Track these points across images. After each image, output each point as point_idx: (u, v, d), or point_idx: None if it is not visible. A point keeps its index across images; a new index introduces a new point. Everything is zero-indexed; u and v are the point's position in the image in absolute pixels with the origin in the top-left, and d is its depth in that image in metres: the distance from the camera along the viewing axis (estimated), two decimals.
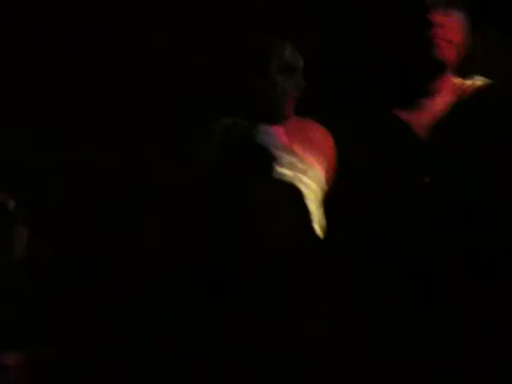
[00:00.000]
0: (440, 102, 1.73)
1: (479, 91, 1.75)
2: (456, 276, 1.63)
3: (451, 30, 1.68)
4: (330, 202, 1.60)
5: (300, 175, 1.46)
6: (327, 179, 1.56)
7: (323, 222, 1.51)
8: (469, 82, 1.76)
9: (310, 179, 1.50)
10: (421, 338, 1.58)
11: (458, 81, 1.76)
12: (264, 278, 1.53)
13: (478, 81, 1.77)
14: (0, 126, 2.09)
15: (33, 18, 2.13)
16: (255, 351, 1.52)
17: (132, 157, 2.04)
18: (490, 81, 1.77)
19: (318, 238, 1.52)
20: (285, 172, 1.45)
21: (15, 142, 2.11)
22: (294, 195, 1.46)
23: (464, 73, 1.76)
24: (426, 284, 1.62)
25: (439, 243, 1.64)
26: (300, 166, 1.47)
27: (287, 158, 1.46)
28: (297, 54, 1.54)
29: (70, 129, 2.13)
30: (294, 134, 1.50)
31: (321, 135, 1.56)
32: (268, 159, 1.45)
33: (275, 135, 1.46)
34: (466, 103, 1.73)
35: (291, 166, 1.46)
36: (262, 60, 1.51)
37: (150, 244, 1.63)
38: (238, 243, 1.45)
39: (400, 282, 1.61)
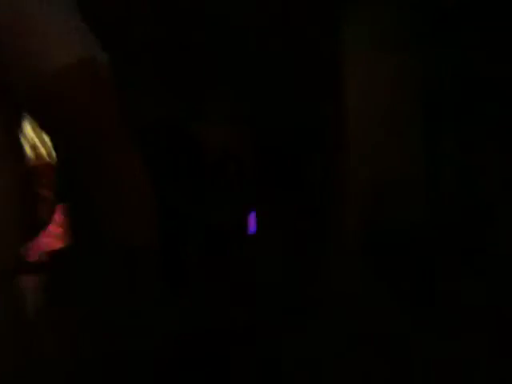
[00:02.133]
0: None
1: None
2: (456, 276, 1.63)
3: None
4: None
5: None
6: None
7: None
8: None
9: None
10: (421, 337, 1.58)
11: None
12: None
13: None
14: None
15: None
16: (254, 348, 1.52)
17: None
18: None
19: None
20: None
21: None
22: None
23: None
24: (426, 284, 1.62)
25: (439, 243, 1.64)
26: None
27: None
28: None
29: None
30: None
31: None
32: None
33: None
34: None
35: None
36: None
37: None
38: None
39: (401, 281, 1.61)
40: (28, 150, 1.02)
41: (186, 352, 1.48)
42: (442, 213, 1.66)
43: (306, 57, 2.11)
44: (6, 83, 0.69)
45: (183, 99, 2.19)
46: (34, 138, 1.04)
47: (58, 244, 1.34)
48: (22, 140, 0.77)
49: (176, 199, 1.66)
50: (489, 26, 1.85)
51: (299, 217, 1.80)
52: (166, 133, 2.04)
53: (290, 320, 1.55)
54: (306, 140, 1.99)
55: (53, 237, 1.33)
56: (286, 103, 2.09)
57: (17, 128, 0.74)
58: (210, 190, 1.86)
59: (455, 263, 1.63)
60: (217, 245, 1.80)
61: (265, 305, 1.58)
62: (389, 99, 1.87)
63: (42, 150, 1.07)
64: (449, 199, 1.67)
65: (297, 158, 1.96)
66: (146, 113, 2.15)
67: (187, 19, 2.19)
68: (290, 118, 2.07)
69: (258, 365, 1.52)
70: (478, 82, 1.78)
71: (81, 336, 1.23)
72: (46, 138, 1.04)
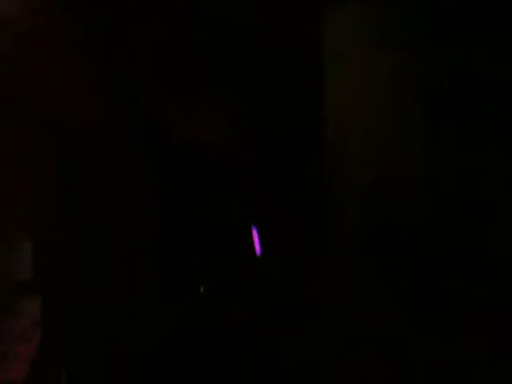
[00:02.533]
0: None
1: None
2: (456, 276, 1.62)
3: None
4: None
5: None
6: None
7: None
8: None
9: None
10: (421, 337, 1.58)
11: None
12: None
13: None
14: None
15: None
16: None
17: None
18: None
19: None
20: None
21: None
22: None
23: None
24: (426, 284, 1.62)
25: (439, 243, 1.64)
26: None
27: None
28: None
29: None
30: None
31: None
32: None
33: None
34: None
35: None
36: None
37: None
38: None
39: (401, 281, 1.61)
40: None
41: (186, 352, 1.48)
42: (442, 213, 1.66)
43: (305, 57, 2.11)
44: None
45: (183, 99, 2.19)
46: None
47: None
48: None
49: (175, 199, 1.66)
50: (489, 26, 1.85)
51: (299, 217, 1.80)
52: (166, 133, 2.04)
53: (290, 320, 1.55)
54: (305, 140, 1.99)
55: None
56: (285, 103, 2.09)
57: None
58: (209, 190, 1.85)
59: (455, 263, 1.63)
60: (217, 245, 1.80)
61: (265, 305, 1.58)
62: (389, 99, 1.87)
63: None
64: (449, 199, 1.67)
65: (297, 158, 1.96)
66: (145, 113, 2.15)
67: (186, 18, 2.19)
68: (290, 118, 2.07)
69: (258, 365, 1.52)
70: (477, 81, 1.78)
71: (81, 336, 1.23)
72: None
